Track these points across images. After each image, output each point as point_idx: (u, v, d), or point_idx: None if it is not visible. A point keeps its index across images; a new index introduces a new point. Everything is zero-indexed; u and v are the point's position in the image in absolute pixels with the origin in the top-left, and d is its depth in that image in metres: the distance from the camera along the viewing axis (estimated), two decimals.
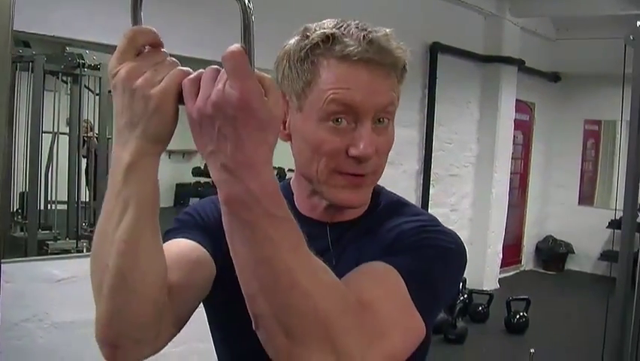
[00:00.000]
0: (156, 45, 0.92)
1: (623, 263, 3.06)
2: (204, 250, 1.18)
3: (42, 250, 4.33)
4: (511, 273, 9.84)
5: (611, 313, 3.07)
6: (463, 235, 8.40)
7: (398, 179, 7.29)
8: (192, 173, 5.84)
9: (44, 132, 4.41)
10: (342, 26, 1.14)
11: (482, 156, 8.68)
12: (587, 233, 9.91)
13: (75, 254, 4.42)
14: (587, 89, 9.89)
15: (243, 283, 0.92)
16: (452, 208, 8.33)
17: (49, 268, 4.22)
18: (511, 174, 9.27)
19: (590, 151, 10.69)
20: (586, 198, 10.63)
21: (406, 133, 7.44)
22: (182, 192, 5.86)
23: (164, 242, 1.04)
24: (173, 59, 0.92)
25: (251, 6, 0.83)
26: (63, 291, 4.23)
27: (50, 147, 4.56)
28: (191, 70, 0.89)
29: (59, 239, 4.51)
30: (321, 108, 1.13)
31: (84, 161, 4.77)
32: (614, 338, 3.06)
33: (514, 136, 9.14)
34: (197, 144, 0.90)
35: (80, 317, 4.32)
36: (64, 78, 4.59)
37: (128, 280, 0.95)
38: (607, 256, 9.32)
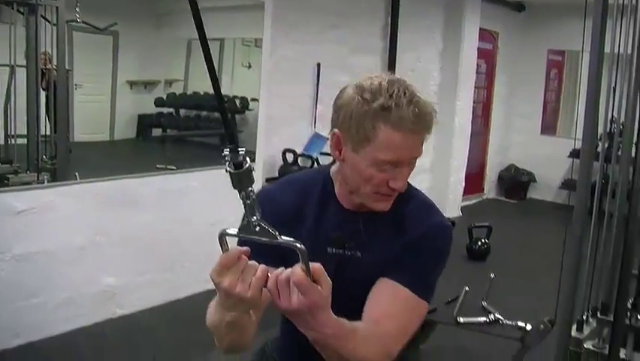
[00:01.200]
0: (239, 258, 1.33)
1: (581, 191, 3.11)
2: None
3: (2, 183, 4.28)
4: (473, 201, 9.97)
5: (568, 240, 3.13)
6: (426, 163, 8.51)
7: None
8: (155, 104, 5.77)
9: (1, 66, 4.32)
10: (394, 93, 1.54)
11: (445, 84, 8.69)
12: (549, 162, 10.03)
13: (36, 185, 4.39)
14: (551, 19, 9.88)
15: (322, 353, 1.50)
16: None
17: (10, 199, 4.20)
18: (474, 103, 9.30)
19: (553, 81, 10.73)
20: (548, 127, 10.71)
21: (367, 60, 7.40)
22: (145, 123, 5.81)
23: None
24: (252, 262, 1.34)
25: (305, 251, 1.28)
26: (24, 222, 4.23)
27: (8, 81, 4.47)
28: (266, 270, 1.34)
29: (20, 172, 4.46)
30: (375, 160, 1.57)
31: (44, 94, 4.69)
32: (570, 263, 3.13)
33: (477, 65, 9.16)
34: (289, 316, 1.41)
35: (42, 247, 4.31)
36: (20, 9, 4.46)
37: (237, 347, 1.62)
38: (567, 184, 9.46)
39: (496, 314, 4.08)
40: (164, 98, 5.85)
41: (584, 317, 3.41)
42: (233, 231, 1.35)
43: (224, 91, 6.10)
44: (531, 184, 10.69)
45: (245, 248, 1.34)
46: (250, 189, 1.27)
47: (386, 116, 1.53)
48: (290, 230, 1.38)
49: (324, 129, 6.62)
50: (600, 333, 3.36)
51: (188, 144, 6.42)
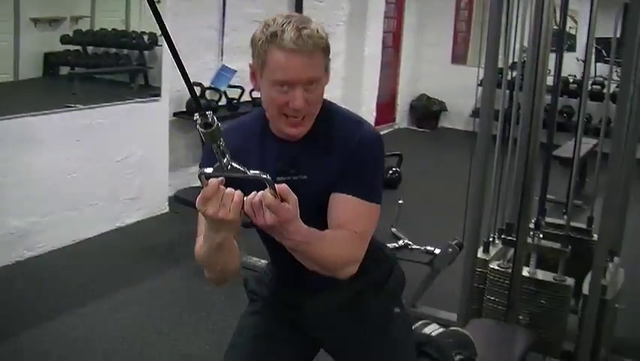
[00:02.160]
0: (218, 188, 1.57)
1: (484, 118, 3.18)
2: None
3: None
4: (385, 131, 10.05)
5: (474, 165, 3.20)
6: (337, 95, 8.52)
7: None
8: (61, 41, 5.57)
9: None
10: (284, 23, 1.75)
11: (354, 14, 8.66)
12: (460, 91, 10.13)
13: None
14: None
15: (299, 259, 1.77)
16: None
17: None
18: (384, 32, 9.30)
19: (463, 11, 10.83)
20: (459, 57, 10.84)
21: None
22: (53, 62, 5.62)
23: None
24: (229, 189, 1.57)
25: (270, 179, 1.55)
26: None
27: None
28: (242, 195, 1.57)
29: None
30: (272, 81, 1.79)
31: None
32: (475, 188, 3.21)
33: None
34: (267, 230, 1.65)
35: None
36: None
37: (227, 273, 1.85)
38: (477, 113, 9.59)
39: (406, 240, 4.17)
40: (71, 35, 5.66)
41: (490, 239, 3.53)
42: (209, 170, 1.57)
43: (132, 27, 6.02)
44: (442, 113, 10.85)
45: (221, 178, 1.57)
46: (220, 140, 1.52)
47: (274, 40, 1.75)
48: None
49: (232, 62, 6.53)
50: (505, 253, 3.48)
51: (98, 81, 6.22)
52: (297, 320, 2.14)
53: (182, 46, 5.96)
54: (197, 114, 1.50)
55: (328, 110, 1.97)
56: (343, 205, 1.87)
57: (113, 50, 6.14)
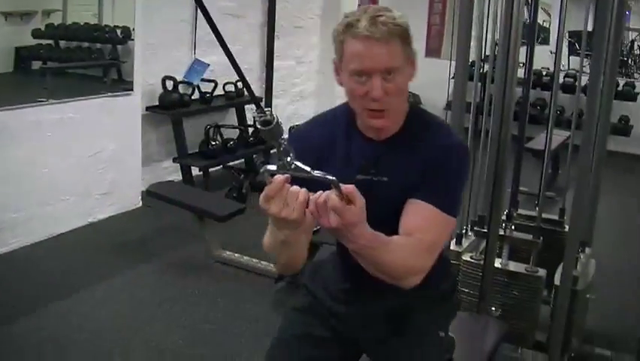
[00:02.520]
0: (283, 186, 1.53)
1: (455, 110, 3.19)
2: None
3: None
4: None
5: None
6: (311, 87, 8.51)
7: (241, 31, 7.20)
8: (32, 35, 5.52)
9: None
10: (360, 14, 1.74)
11: (328, 7, 8.64)
12: (434, 84, 10.12)
13: None
14: None
15: (362, 264, 1.71)
16: (299, 61, 8.34)
17: None
18: None
19: (437, 4, 10.84)
20: (433, 50, 10.85)
21: None
22: (24, 56, 5.57)
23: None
24: (294, 187, 1.53)
25: (336, 180, 1.49)
26: None
27: None
28: (307, 194, 1.53)
29: None
30: (348, 70, 1.77)
31: None
32: None
33: None
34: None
35: None
36: None
37: (293, 265, 1.82)
38: (450, 106, 9.62)
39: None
40: (43, 29, 5.60)
41: (463, 231, 3.55)
42: (274, 167, 1.53)
43: (105, 21, 5.95)
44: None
45: (286, 176, 1.53)
46: (282, 138, 1.49)
47: (349, 30, 1.75)
48: (323, 160, 1.70)
49: (205, 55, 6.50)
50: (478, 245, 3.50)
51: (71, 75, 6.16)
52: (344, 321, 2.10)
53: (154, 40, 5.94)
54: (255, 111, 1.50)
55: (417, 113, 1.98)
56: (418, 212, 1.81)
57: (86, 44, 6.08)
